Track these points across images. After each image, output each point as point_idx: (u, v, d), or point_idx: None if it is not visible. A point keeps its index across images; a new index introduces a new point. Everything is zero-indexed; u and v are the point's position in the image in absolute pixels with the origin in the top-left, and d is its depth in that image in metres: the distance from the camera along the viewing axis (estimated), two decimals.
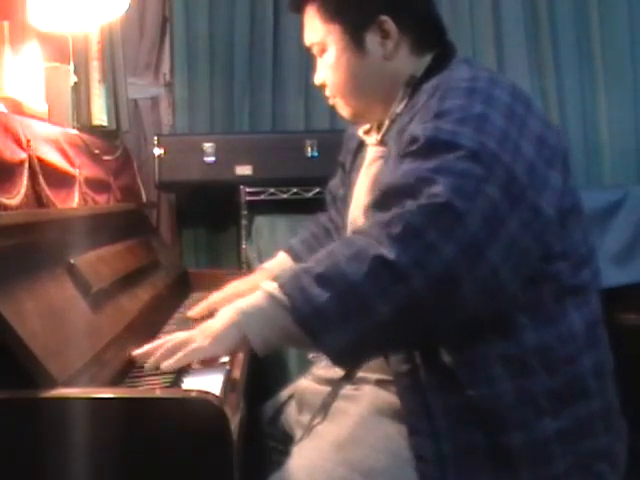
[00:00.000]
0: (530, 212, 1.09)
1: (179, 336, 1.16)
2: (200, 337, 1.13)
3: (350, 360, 1.14)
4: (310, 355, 1.56)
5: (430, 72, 1.30)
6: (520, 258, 1.09)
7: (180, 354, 1.12)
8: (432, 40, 1.35)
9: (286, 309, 1.08)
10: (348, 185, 1.50)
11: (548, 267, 1.17)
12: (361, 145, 1.48)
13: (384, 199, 1.11)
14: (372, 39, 1.32)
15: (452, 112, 1.13)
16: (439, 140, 1.11)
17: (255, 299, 1.12)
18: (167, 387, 1.16)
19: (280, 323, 1.08)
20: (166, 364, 1.12)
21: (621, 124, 2.85)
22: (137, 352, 1.19)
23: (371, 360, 1.25)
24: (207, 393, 0.98)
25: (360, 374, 1.34)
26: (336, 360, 1.11)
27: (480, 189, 1.05)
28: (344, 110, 1.39)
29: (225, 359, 1.26)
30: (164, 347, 1.15)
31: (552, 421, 1.15)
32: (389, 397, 1.26)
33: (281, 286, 1.10)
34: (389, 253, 1.03)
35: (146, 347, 1.18)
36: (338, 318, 1.05)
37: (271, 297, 1.10)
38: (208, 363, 1.17)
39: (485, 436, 1.15)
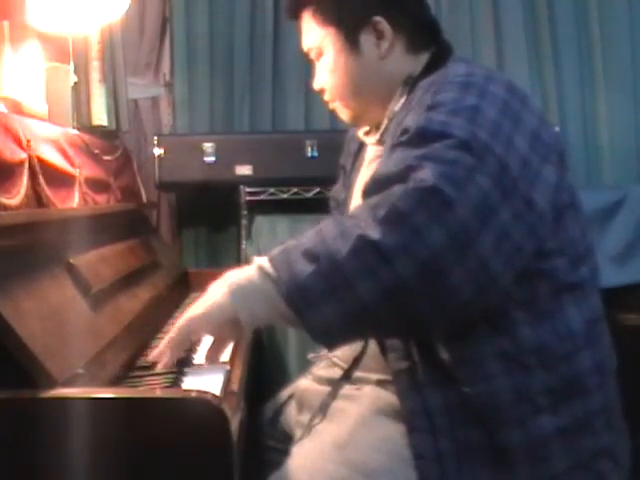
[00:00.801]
0: (522, 204, 1.09)
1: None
2: (193, 308, 1.15)
3: (333, 339, 1.12)
4: (310, 355, 1.56)
5: (427, 71, 1.30)
6: (512, 251, 1.08)
7: (176, 326, 1.14)
8: (427, 39, 1.35)
9: (274, 282, 1.08)
10: (348, 186, 1.50)
11: (543, 263, 1.17)
12: (362, 147, 1.48)
13: (373, 186, 1.12)
14: (367, 40, 1.32)
15: (445, 104, 1.14)
16: (429, 130, 1.11)
17: (247, 271, 1.12)
18: (167, 387, 1.16)
19: (268, 296, 1.08)
20: (169, 341, 1.13)
21: (621, 124, 2.84)
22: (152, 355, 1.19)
23: (355, 342, 1.25)
24: (207, 393, 0.98)
25: (360, 374, 1.34)
26: (318, 337, 1.09)
27: (471, 178, 1.05)
28: (344, 113, 1.40)
29: (225, 358, 1.26)
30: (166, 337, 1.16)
31: (550, 419, 1.15)
32: (389, 397, 1.26)
33: (271, 260, 1.10)
34: (373, 234, 1.03)
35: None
36: (321, 294, 1.05)
37: (261, 270, 1.10)
38: (212, 356, 1.16)
39: (483, 434, 1.15)
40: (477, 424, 1.15)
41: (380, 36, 1.32)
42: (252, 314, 1.10)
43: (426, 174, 1.04)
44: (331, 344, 1.15)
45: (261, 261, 1.11)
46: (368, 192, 1.12)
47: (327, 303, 1.05)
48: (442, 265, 1.03)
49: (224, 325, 1.12)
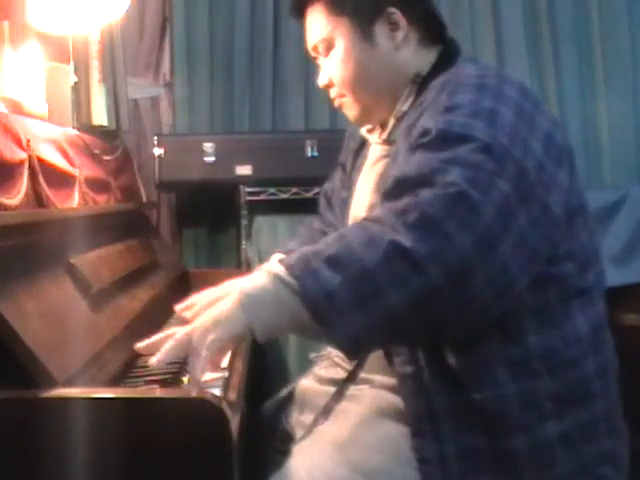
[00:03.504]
0: (539, 209, 1.08)
1: (181, 331, 1.07)
2: (203, 323, 1.06)
3: (359, 349, 1.08)
4: (311, 355, 1.55)
5: (436, 70, 1.30)
6: (528, 256, 1.07)
7: (202, 351, 1.03)
8: (438, 34, 1.35)
9: (295, 292, 1.02)
10: (349, 186, 1.49)
11: (554, 269, 1.16)
12: (362, 145, 1.47)
13: (397, 188, 1.09)
14: (381, 31, 1.32)
15: (463, 106, 1.13)
16: (452, 132, 1.10)
17: (260, 281, 1.06)
18: (167, 387, 1.16)
19: (288, 307, 1.03)
20: (197, 371, 1.03)
21: (621, 124, 2.85)
22: (141, 345, 1.11)
23: (379, 350, 1.23)
24: (207, 393, 0.98)
25: (362, 375, 1.33)
26: (345, 348, 1.06)
27: (493, 182, 1.04)
28: (352, 109, 1.37)
29: (225, 360, 1.26)
30: (167, 344, 1.06)
31: (555, 424, 1.15)
32: (391, 398, 1.25)
33: (289, 268, 1.04)
34: (405, 241, 1.01)
35: (151, 340, 1.10)
36: (350, 303, 1.01)
37: (278, 279, 1.04)
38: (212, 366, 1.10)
39: (488, 439, 1.15)
40: (482, 429, 1.15)
41: (394, 27, 1.31)
42: (268, 326, 1.04)
43: (454, 178, 1.03)
44: (357, 354, 1.12)
45: (274, 269, 1.06)
46: (390, 194, 1.10)
47: (357, 313, 1.01)
48: (467, 270, 1.02)
49: (235, 338, 1.06)
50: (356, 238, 1.05)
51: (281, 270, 1.05)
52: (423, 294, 1.01)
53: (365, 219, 1.11)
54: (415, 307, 1.02)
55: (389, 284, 1.01)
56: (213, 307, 1.09)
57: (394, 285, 1.01)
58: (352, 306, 1.01)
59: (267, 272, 1.06)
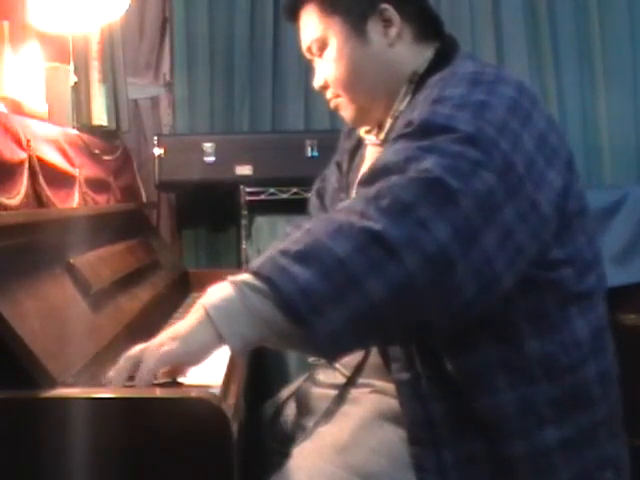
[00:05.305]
0: (527, 204, 1.06)
1: (142, 346, 1.04)
2: (167, 340, 1.01)
3: (337, 348, 1.03)
4: (311, 359, 1.55)
5: (433, 68, 1.28)
6: (515, 252, 1.05)
7: (149, 361, 1.00)
8: (434, 31, 1.33)
9: (266, 296, 0.97)
10: (345, 187, 1.47)
11: (551, 274, 1.15)
12: (359, 144, 1.46)
13: (371, 176, 1.08)
14: (374, 28, 1.30)
15: (451, 99, 1.11)
16: (434, 123, 1.08)
17: (224, 292, 1.00)
18: (167, 386, 1.16)
19: (261, 314, 0.98)
20: (137, 379, 1.00)
21: (621, 124, 2.84)
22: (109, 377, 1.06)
23: (357, 352, 1.22)
24: (207, 393, 0.98)
25: (362, 380, 1.32)
26: (322, 347, 1.00)
27: (476, 172, 1.02)
28: (347, 109, 1.36)
29: (224, 362, 1.25)
30: (127, 358, 1.03)
31: (555, 430, 1.14)
32: (391, 401, 1.24)
33: (255, 273, 0.99)
34: (376, 225, 0.98)
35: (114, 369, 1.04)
36: (326, 297, 0.96)
37: (244, 286, 0.99)
38: (173, 373, 1.05)
39: (487, 445, 1.14)
40: (480, 436, 1.14)
41: (388, 24, 1.30)
42: (242, 338, 0.99)
43: (429, 165, 1.01)
44: (335, 354, 1.08)
45: (238, 277, 1.01)
46: (364, 182, 1.08)
47: (333, 307, 0.96)
48: (447, 260, 0.99)
49: (206, 356, 1.02)
50: (323, 229, 1.01)
51: (246, 277, 1.01)
52: (400, 283, 0.98)
53: (334, 211, 1.08)
54: (395, 298, 0.98)
55: (365, 272, 0.97)
56: (179, 323, 1.05)
57: (370, 273, 0.97)
58: (329, 300, 0.97)
59: (230, 282, 1.02)
